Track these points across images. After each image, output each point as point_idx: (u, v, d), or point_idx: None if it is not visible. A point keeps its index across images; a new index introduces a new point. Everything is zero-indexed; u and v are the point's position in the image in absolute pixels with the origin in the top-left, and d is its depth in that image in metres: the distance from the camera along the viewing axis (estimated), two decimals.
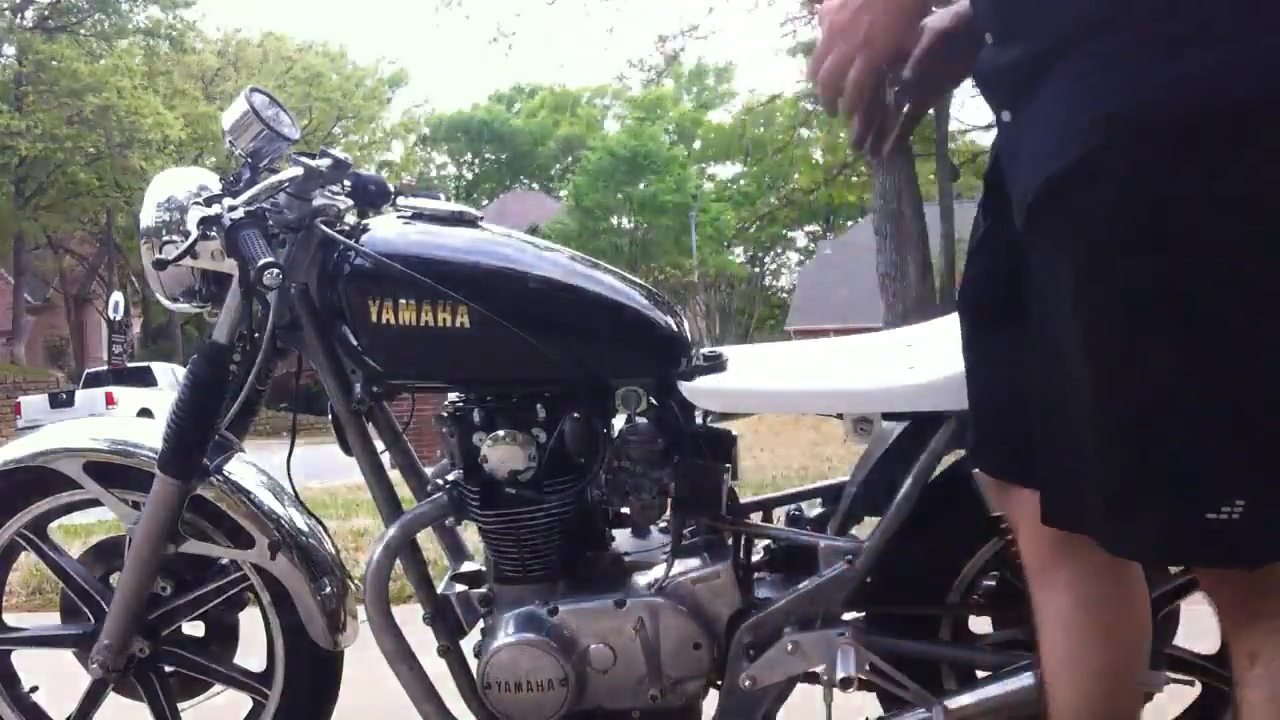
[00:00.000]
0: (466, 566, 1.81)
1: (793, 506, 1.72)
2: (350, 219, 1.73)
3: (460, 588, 1.71)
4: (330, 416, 1.71)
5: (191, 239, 1.56)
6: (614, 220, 30.51)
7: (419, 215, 1.69)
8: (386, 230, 1.66)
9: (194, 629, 1.90)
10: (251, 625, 1.88)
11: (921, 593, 1.57)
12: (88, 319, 30.87)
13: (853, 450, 1.60)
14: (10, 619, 1.99)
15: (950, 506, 1.51)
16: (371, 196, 1.75)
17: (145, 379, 19.32)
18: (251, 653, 1.90)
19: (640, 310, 1.63)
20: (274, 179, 1.61)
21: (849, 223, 34.17)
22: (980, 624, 1.65)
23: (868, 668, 1.51)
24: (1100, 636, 1.16)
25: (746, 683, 1.55)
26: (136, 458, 1.80)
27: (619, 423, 1.64)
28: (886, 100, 1.03)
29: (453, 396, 1.68)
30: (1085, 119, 0.91)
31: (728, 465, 1.61)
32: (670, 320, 1.65)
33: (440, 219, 1.68)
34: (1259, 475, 0.92)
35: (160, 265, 1.67)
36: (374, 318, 1.59)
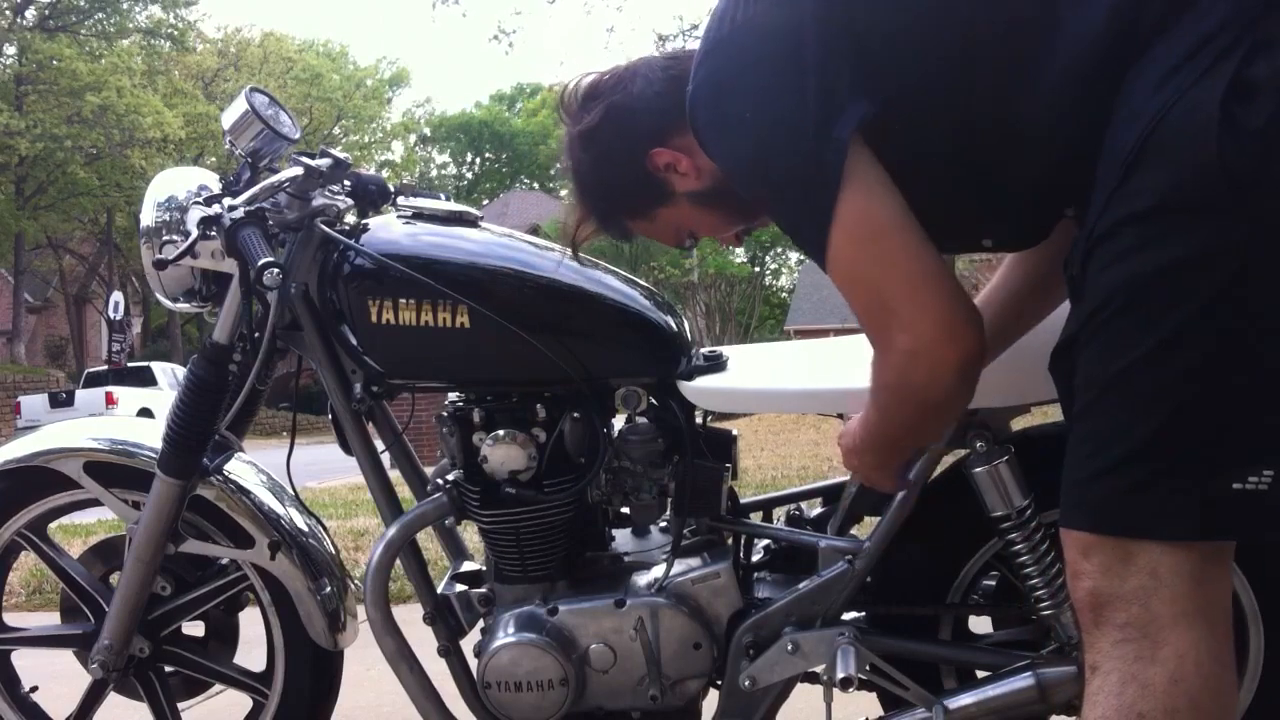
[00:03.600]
0: (466, 566, 1.80)
1: (793, 506, 1.72)
2: (350, 219, 1.73)
3: (460, 588, 1.71)
4: (330, 416, 1.71)
5: (191, 239, 1.56)
6: None
7: (419, 215, 1.69)
8: (386, 230, 1.66)
9: (194, 629, 1.90)
10: (251, 625, 1.88)
11: (921, 593, 1.57)
12: (88, 319, 30.87)
13: None
14: (10, 619, 1.99)
15: (950, 506, 1.51)
16: (371, 196, 1.75)
17: (145, 379, 19.34)
18: (251, 653, 1.90)
19: (640, 310, 1.63)
20: (274, 179, 1.60)
21: None
22: (980, 624, 1.65)
23: (868, 668, 1.51)
24: None
25: (746, 683, 1.55)
26: (136, 458, 1.80)
27: (619, 423, 1.64)
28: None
29: (453, 396, 1.68)
30: None
31: (728, 465, 1.61)
32: (670, 320, 1.65)
33: (440, 219, 1.68)
34: None
35: (160, 265, 1.67)
36: (374, 318, 1.59)
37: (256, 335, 1.65)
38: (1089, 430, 1.01)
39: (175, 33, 27.92)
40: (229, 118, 1.69)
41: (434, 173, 47.53)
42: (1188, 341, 0.94)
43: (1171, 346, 0.94)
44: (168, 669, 1.86)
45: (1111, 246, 0.96)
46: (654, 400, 1.61)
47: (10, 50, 25.61)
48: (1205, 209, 0.91)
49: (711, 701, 1.62)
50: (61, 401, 17.97)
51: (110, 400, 17.57)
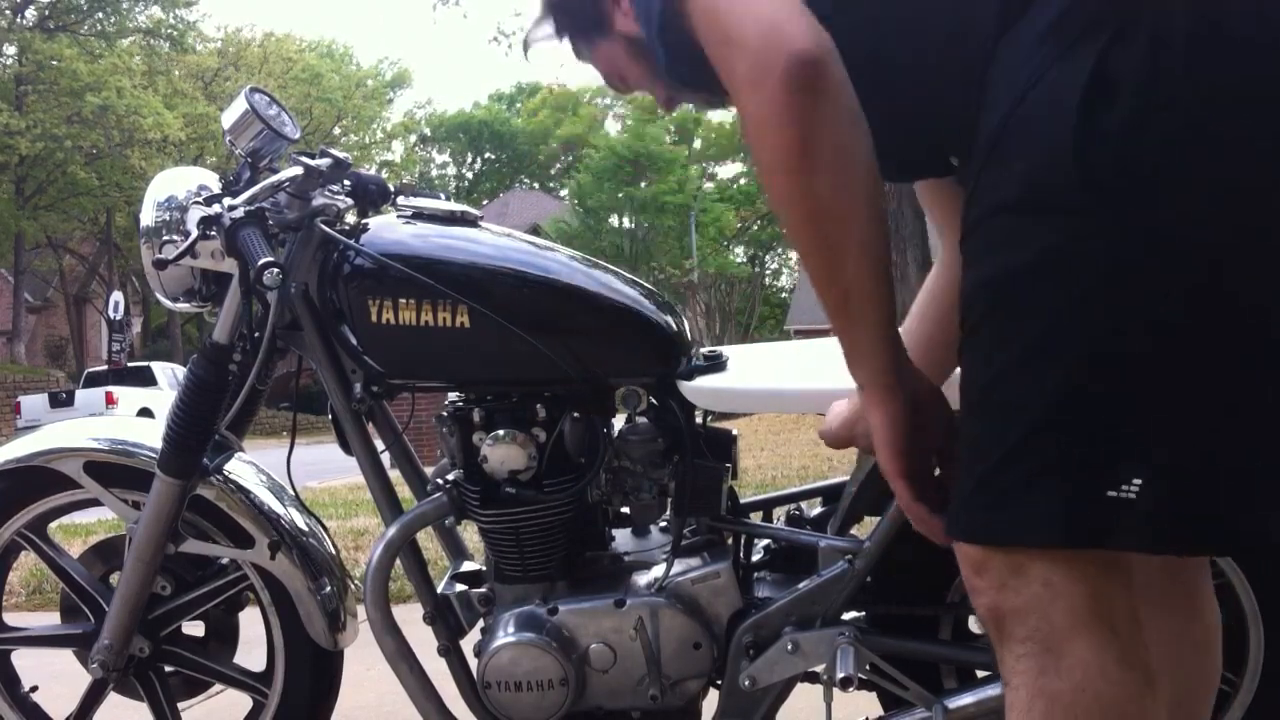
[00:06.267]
0: (466, 566, 1.80)
1: (793, 506, 1.72)
2: (350, 219, 1.73)
3: (460, 588, 1.71)
4: (330, 416, 1.71)
5: (191, 239, 1.56)
6: (615, 220, 30.56)
7: (419, 215, 1.69)
8: (386, 230, 1.66)
9: (194, 629, 1.90)
10: (252, 625, 1.88)
11: (921, 593, 1.57)
12: (88, 319, 30.87)
13: (852, 450, 1.60)
14: (10, 619, 1.99)
15: None
16: (371, 196, 1.75)
17: (145, 379, 19.34)
18: (251, 653, 1.91)
19: (640, 310, 1.63)
20: (274, 178, 1.61)
21: None
22: (980, 624, 1.65)
23: (868, 668, 1.51)
24: None
25: (746, 683, 1.55)
26: (136, 458, 1.80)
27: (619, 423, 1.64)
28: None
29: (453, 396, 1.68)
30: None
31: (728, 465, 1.61)
32: (670, 320, 1.65)
33: (440, 219, 1.68)
34: (1161, 452, 0.89)
35: (160, 265, 1.67)
36: (374, 317, 1.59)
37: (256, 335, 1.65)
38: (964, 440, 0.99)
39: (175, 33, 27.91)
40: (229, 117, 1.69)
41: (434, 173, 47.59)
42: (1051, 347, 0.90)
43: (1034, 353, 0.91)
44: (168, 669, 1.86)
45: (974, 243, 0.95)
46: (654, 400, 1.61)
47: (10, 50, 25.61)
48: (1061, 210, 0.89)
49: (711, 701, 1.62)
50: (61, 401, 17.97)
51: (110, 400, 17.57)
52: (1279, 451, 0.90)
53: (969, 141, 0.98)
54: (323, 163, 1.64)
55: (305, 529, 1.83)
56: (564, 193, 39.06)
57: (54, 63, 24.60)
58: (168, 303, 1.81)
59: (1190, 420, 0.88)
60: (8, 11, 25.50)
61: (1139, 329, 0.88)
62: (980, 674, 1.55)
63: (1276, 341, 0.88)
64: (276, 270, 1.48)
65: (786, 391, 1.64)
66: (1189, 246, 0.87)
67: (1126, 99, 0.86)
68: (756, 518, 1.72)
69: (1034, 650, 0.95)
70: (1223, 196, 0.86)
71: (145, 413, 14.95)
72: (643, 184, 29.61)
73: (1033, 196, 0.90)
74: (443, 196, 1.79)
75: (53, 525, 1.97)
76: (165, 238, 1.70)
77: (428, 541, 2.56)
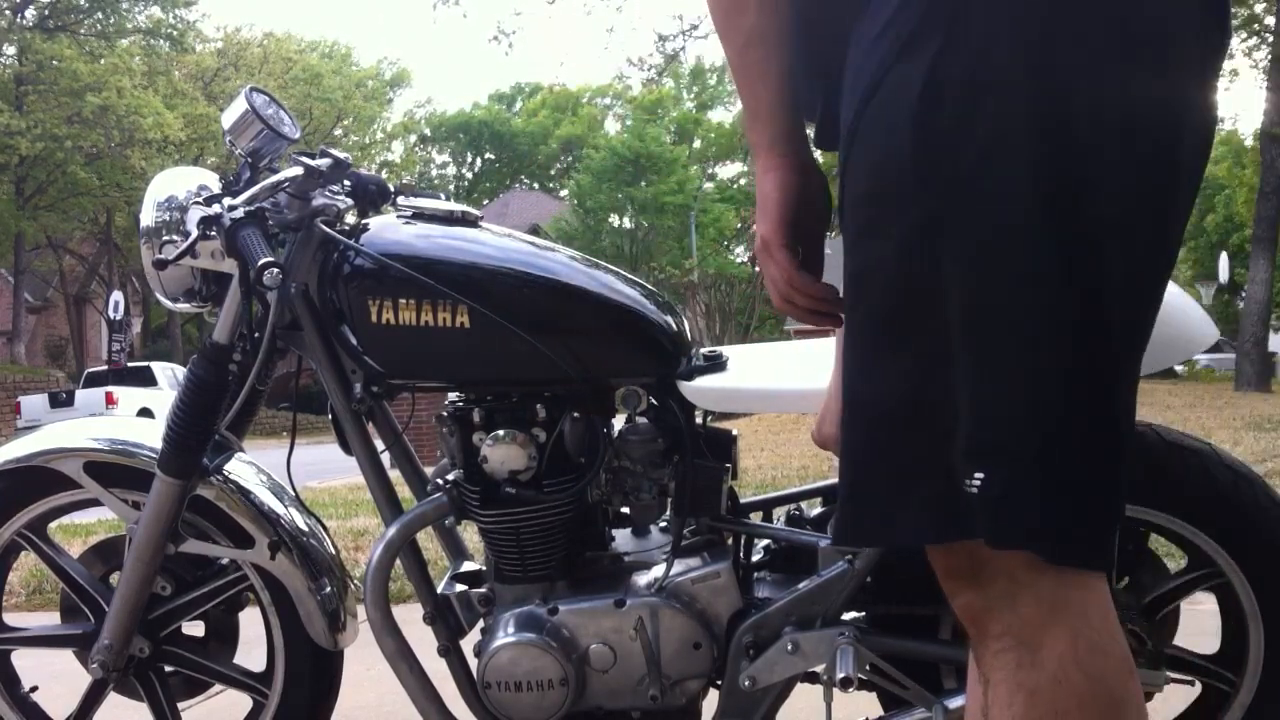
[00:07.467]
0: (466, 566, 1.80)
1: (793, 506, 1.72)
2: (350, 219, 1.73)
3: (460, 588, 1.71)
4: (330, 416, 1.71)
5: (191, 239, 1.56)
6: (615, 220, 30.57)
7: (419, 215, 1.69)
8: (386, 230, 1.66)
9: (194, 629, 1.90)
10: (251, 625, 1.88)
11: (921, 593, 1.57)
12: (88, 319, 30.87)
13: None
14: (10, 619, 1.99)
15: None
16: (371, 196, 1.75)
17: (145, 379, 19.35)
18: (251, 653, 1.91)
19: (640, 310, 1.63)
20: (274, 178, 1.61)
21: None
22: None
23: (868, 668, 1.51)
24: None
25: (746, 683, 1.55)
26: (136, 458, 1.80)
27: (619, 423, 1.64)
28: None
29: (453, 396, 1.68)
30: None
31: (728, 465, 1.61)
32: (670, 320, 1.65)
33: (440, 219, 1.68)
34: (1000, 446, 0.90)
35: (160, 265, 1.68)
36: (374, 318, 1.60)
37: (256, 335, 1.65)
38: (842, 436, 1.00)
39: (175, 33, 27.92)
40: (229, 118, 1.69)
41: (434, 173, 47.58)
42: (892, 345, 0.93)
43: (881, 350, 0.94)
44: (168, 669, 1.86)
45: (844, 232, 0.97)
46: (654, 400, 1.61)
47: (10, 50, 25.61)
48: (902, 203, 0.91)
49: (711, 701, 1.62)
50: (61, 401, 17.97)
51: (110, 400, 17.58)
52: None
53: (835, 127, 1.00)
54: (323, 163, 1.64)
55: (305, 529, 1.83)
56: (564, 193, 39.02)
57: (54, 63, 24.60)
58: (168, 303, 1.81)
59: (1029, 412, 0.89)
60: (8, 11, 25.49)
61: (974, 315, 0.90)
62: None
63: (1103, 324, 0.90)
64: (276, 270, 1.48)
65: (786, 391, 1.64)
66: (1010, 243, 0.88)
67: (952, 101, 0.89)
68: (756, 518, 1.72)
69: (1009, 645, 0.95)
70: (1049, 195, 0.87)
71: (145, 413, 14.96)
72: (643, 184, 29.60)
73: (879, 191, 0.93)
74: (443, 196, 1.79)
75: (53, 525, 1.97)
76: (165, 238, 1.70)
77: (428, 541, 2.56)
